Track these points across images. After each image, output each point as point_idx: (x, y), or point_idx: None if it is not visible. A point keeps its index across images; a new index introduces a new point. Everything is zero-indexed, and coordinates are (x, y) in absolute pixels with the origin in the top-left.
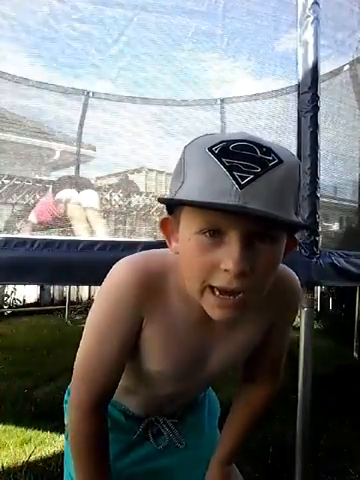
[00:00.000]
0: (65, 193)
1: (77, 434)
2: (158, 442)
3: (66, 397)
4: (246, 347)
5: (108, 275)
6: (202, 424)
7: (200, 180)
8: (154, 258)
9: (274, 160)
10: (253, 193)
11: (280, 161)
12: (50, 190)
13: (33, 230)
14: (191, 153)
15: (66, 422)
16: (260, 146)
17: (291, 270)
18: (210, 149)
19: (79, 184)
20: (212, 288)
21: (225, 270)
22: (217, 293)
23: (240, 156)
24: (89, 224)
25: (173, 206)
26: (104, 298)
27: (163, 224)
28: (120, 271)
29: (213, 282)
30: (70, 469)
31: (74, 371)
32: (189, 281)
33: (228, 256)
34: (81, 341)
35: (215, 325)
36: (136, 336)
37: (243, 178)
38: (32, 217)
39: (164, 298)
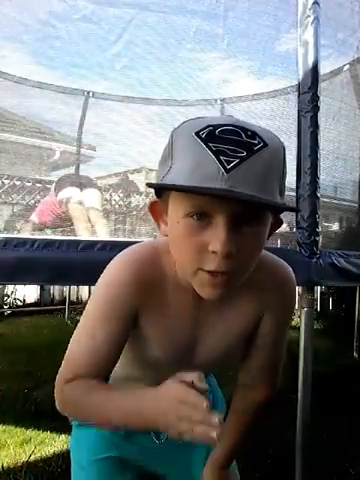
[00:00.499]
0: (67, 192)
1: (64, 402)
2: (158, 437)
3: None
4: (237, 335)
5: (104, 271)
6: None
7: (187, 165)
8: (146, 249)
9: (259, 144)
10: (239, 177)
11: (265, 145)
12: (52, 189)
13: (34, 230)
14: (178, 138)
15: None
16: (245, 130)
17: (286, 264)
18: (197, 134)
19: (81, 183)
20: (202, 271)
21: (213, 252)
22: (207, 274)
23: (226, 140)
24: (90, 224)
25: (161, 190)
26: (99, 296)
27: (152, 207)
28: (115, 269)
29: (204, 266)
30: (78, 456)
31: (64, 358)
32: (180, 264)
33: (215, 238)
34: (74, 332)
35: (206, 309)
36: (133, 323)
37: (229, 162)
38: (34, 217)
39: (158, 286)
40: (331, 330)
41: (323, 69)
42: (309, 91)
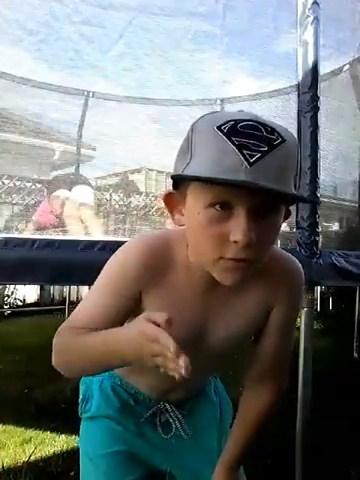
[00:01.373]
0: (59, 194)
1: (56, 351)
2: (165, 432)
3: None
4: (245, 326)
5: (116, 251)
6: (212, 421)
7: (209, 157)
8: (159, 237)
9: (278, 139)
10: (261, 170)
11: (283, 140)
12: (46, 198)
13: (34, 230)
14: (199, 131)
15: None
16: (265, 126)
17: (295, 258)
18: (219, 128)
19: (72, 182)
20: (224, 259)
21: (234, 242)
22: (229, 261)
23: (248, 135)
24: (84, 224)
25: (179, 181)
26: (106, 271)
27: (167, 198)
28: (126, 249)
29: (225, 255)
30: (87, 448)
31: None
32: (199, 252)
33: (237, 228)
34: (83, 300)
35: (214, 298)
36: (131, 307)
37: (252, 156)
38: (33, 224)
39: (167, 272)
40: (331, 330)
41: (323, 69)
42: (309, 91)
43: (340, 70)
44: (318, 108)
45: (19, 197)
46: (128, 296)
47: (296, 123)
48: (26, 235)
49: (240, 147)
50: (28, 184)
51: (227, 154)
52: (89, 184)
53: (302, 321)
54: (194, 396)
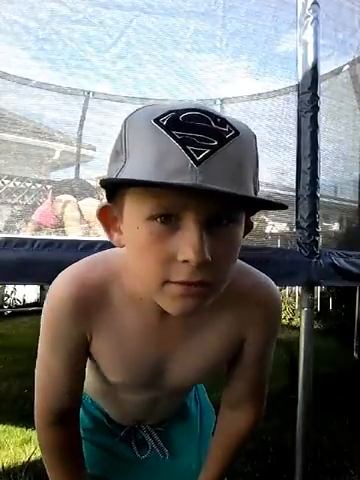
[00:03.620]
0: (62, 198)
1: (44, 444)
2: (141, 452)
3: None
4: (211, 360)
5: (49, 289)
6: (191, 436)
7: (147, 158)
8: (96, 266)
9: (230, 132)
10: (211, 170)
11: (237, 132)
12: (49, 199)
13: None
14: (133, 127)
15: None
16: (214, 116)
17: (268, 278)
18: (157, 121)
19: (80, 193)
20: (171, 283)
21: (184, 261)
22: (177, 285)
23: (193, 128)
24: (86, 225)
25: (114, 191)
26: (47, 314)
27: (102, 214)
28: (55, 291)
29: (172, 277)
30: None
31: (35, 386)
32: (142, 279)
33: (186, 244)
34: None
35: (170, 331)
36: (85, 349)
37: (199, 153)
38: (33, 225)
39: (110, 308)
40: (331, 330)
41: (323, 69)
42: (309, 91)
43: (340, 70)
44: (318, 108)
45: (19, 197)
46: (74, 344)
47: (296, 123)
48: (26, 235)
49: (184, 142)
50: (28, 184)
51: (168, 152)
52: (97, 197)
53: (302, 321)
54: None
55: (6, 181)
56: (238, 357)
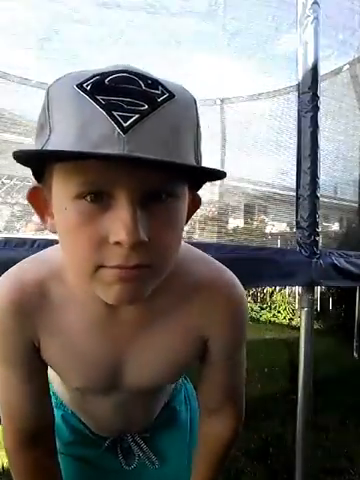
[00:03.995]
0: None
1: (16, 470)
2: (128, 462)
3: None
4: (171, 357)
5: None
6: (181, 442)
7: (71, 128)
8: (35, 265)
9: (164, 94)
10: (142, 137)
11: (171, 95)
12: None
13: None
14: (56, 96)
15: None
16: (144, 78)
17: (233, 275)
18: (80, 86)
19: None
20: (105, 268)
21: (116, 243)
22: (112, 270)
23: (120, 91)
24: None
25: (42, 170)
26: None
27: (32, 196)
28: None
29: (106, 262)
30: None
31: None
32: (74, 266)
33: (118, 224)
34: None
35: (122, 326)
36: (37, 357)
37: (126, 119)
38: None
39: (52, 308)
40: (331, 330)
41: (323, 69)
42: (309, 91)
43: (340, 70)
44: (318, 108)
45: (19, 197)
46: (27, 348)
47: (296, 123)
48: (26, 235)
49: (109, 108)
50: (28, 184)
51: (92, 120)
52: None
53: (302, 321)
54: (157, 417)
55: (6, 181)
56: (205, 358)
